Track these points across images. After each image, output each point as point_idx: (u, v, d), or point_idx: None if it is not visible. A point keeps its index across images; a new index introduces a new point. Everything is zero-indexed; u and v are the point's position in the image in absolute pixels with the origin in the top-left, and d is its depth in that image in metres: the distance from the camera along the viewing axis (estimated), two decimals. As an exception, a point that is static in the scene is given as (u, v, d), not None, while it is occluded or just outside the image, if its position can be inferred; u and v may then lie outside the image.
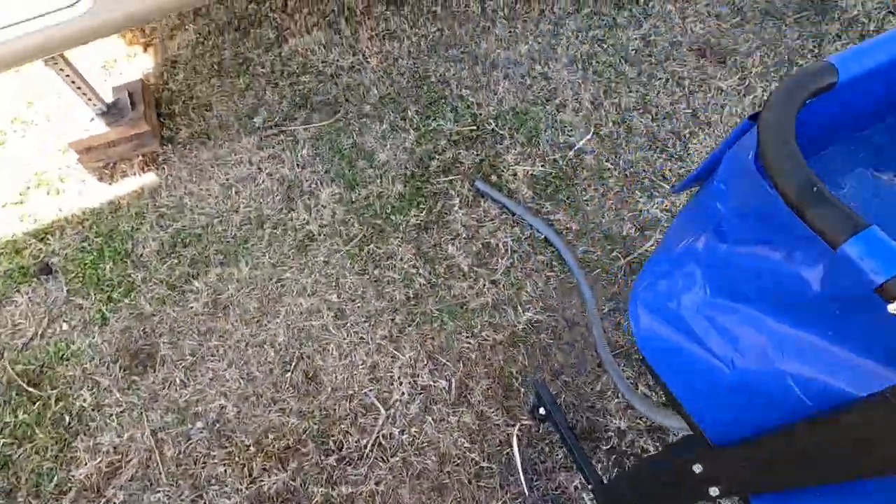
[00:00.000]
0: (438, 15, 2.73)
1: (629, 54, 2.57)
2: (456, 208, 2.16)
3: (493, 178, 2.24)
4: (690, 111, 2.40)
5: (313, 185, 2.24)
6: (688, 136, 2.34)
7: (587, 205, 2.19)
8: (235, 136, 2.39)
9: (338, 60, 2.61)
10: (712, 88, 2.47)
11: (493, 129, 2.36)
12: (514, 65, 2.55)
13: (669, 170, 2.25)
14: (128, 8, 1.56)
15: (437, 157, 2.29)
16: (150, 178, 2.29)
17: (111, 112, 2.30)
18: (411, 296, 1.97)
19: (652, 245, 2.08)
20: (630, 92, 2.46)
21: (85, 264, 2.07)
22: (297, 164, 2.29)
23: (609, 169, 2.26)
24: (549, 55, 2.57)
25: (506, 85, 2.49)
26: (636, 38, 2.62)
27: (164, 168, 2.31)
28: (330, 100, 2.49)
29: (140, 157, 2.32)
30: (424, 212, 2.15)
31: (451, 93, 2.47)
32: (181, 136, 2.40)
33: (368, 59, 2.60)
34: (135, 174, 2.30)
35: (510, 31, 2.65)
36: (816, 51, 2.58)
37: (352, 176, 2.25)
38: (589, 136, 2.33)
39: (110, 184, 2.29)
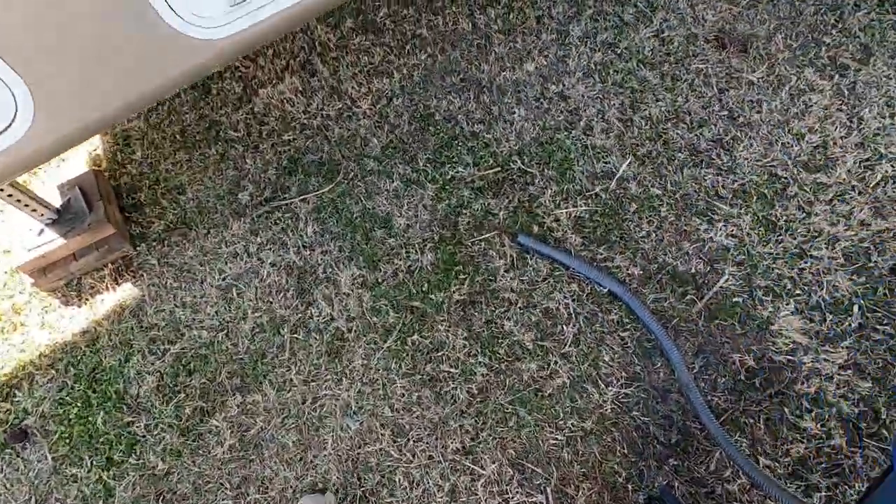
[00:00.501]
0: (425, 38, 2.32)
1: (646, 56, 2.24)
2: (501, 272, 1.81)
3: (534, 227, 1.89)
4: (726, 113, 2.10)
5: (328, 270, 1.84)
6: (731, 142, 2.04)
7: (644, 242, 1.87)
8: (221, 222, 1.96)
9: (322, 109, 2.18)
10: (743, 83, 2.17)
11: (519, 168, 2.00)
12: (525, 87, 2.18)
13: (723, 186, 1.95)
14: (79, 121, 1.13)
15: (464, 211, 1.93)
16: (128, 291, 1.84)
17: (64, 218, 1.83)
18: (475, 392, 1.63)
19: (727, 280, 1.80)
20: (658, 100, 2.14)
21: (69, 420, 1.63)
22: (304, 246, 1.88)
23: (657, 195, 1.95)
24: (560, 70, 2.21)
25: (521, 112, 2.12)
26: (650, 37, 2.28)
27: (142, 276, 1.86)
28: (324, 159, 2.07)
29: (110, 267, 1.87)
30: (466, 283, 1.79)
31: (463, 131, 2.09)
32: (155, 230, 1.95)
33: (357, 103, 2.18)
34: (108, 289, 1.85)
35: (510, 48, 2.28)
36: (839, 25, 2.30)
37: (371, 250, 1.87)
38: (628, 161, 2.00)
39: (80, 307, 1.83)
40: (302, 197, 1.96)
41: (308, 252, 1.86)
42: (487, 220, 1.89)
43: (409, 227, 1.89)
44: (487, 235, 1.86)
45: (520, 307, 1.74)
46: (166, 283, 1.82)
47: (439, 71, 2.23)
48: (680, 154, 2.01)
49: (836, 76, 2.14)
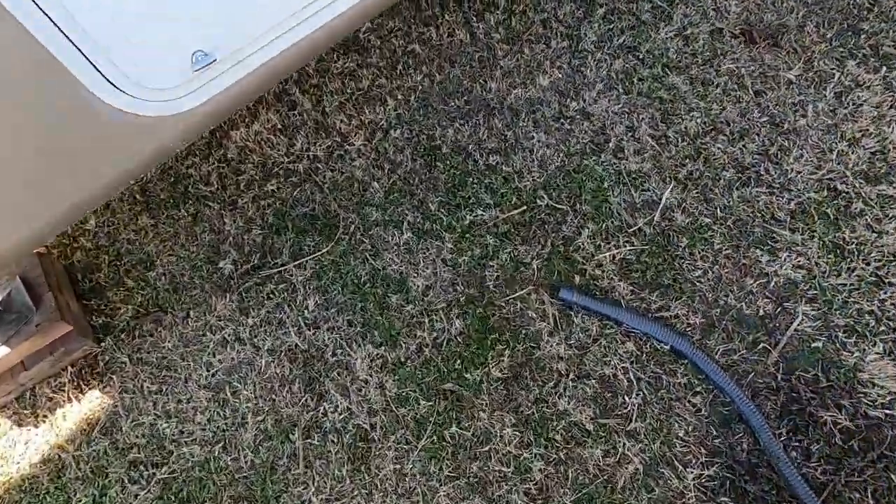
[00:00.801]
0: (419, 55, 1.99)
1: (671, 59, 1.95)
2: (544, 337, 1.52)
3: (575, 277, 1.61)
4: (767, 119, 1.84)
5: (339, 351, 1.52)
6: (778, 154, 1.78)
7: (700, 283, 1.61)
8: (203, 300, 1.61)
9: (308, 149, 1.84)
10: (781, 83, 1.91)
11: (547, 205, 1.71)
12: (540, 105, 1.87)
13: (778, 207, 1.69)
14: (8, 241, 0.80)
15: (490, 264, 1.63)
16: (95, 401, 1.50)
17: (5, 320, 1.46)
18: (535, 493, 1.35)
19: (801, 322, 1.55)
20: (691, 111, 1.86)
21: (37, 583, 1.30)
22: (307, 324, 1.56)
23: (708, 224, 1.68)
24: (578, 83, 1.91)
25: (540, 136, 1.82)
26: (671, 36, 1.99)
27: (111, 380, 1.51)
28: (317, 211, 1.74)
29: (71, 371, 1.52)
30: (506, 354, 1.50)
31: (476, 164, 1.78)
32: (122, 318, 1.60)
33: (349, 139, 1.85)
34: (70, 401, 1.50)
35: (518, 60, 1.96)
36: (875, 8, 2.05)
37: (387, 322, 1.56)
38: (670, 187, 1.73)
39: (37, 427, 1.47)
40: (297, 262, 1.63)
41: (312, 331, 1.53)
42: (519, 273, 1.60)
43: (428, 289, 1.58)
44: (522, 292, 1.56)
45: (572, 379, 1.46)
46: (142, 386, 1.48)
47: (439, 93, 1.90)
48: (725, 172, 1.74)
49: (883, 68, 1.89)
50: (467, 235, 1.64)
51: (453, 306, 1.54)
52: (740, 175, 1.74)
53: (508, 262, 1.60)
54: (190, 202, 1.73)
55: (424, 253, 1.62)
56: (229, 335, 1.52)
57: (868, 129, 1.78)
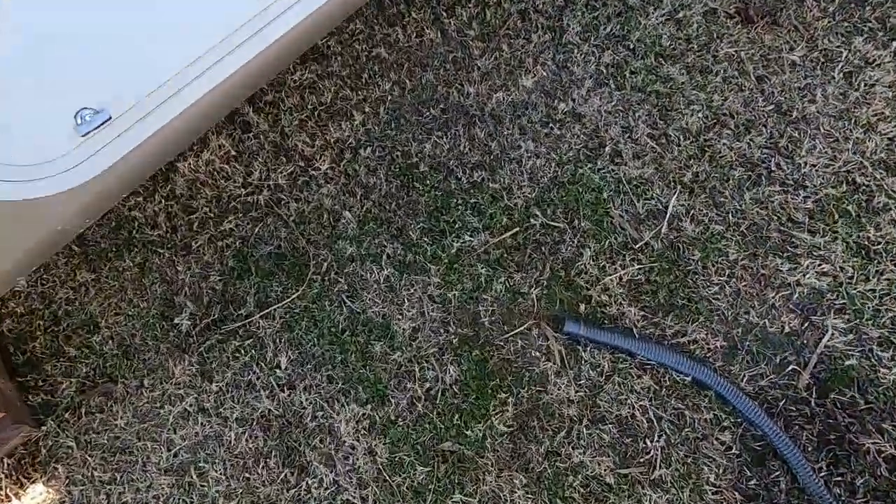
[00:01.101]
0: (385, 60, 1.77)
1: (664, 47, 1.76)
2: (551, 378, 1.35)
3: (580, 305, 1.43)
4: (773, 107, 1.67)
5: (320, 415, 1.33)
6: (789, 147, 1.61)
7: (718, 300, 1.44)
8: (158, 365, 1.40)
9: (268, 177, 1.62)
10: (784, 66, 1.74)
11: (542, 224, 1.52)
12: (526, 109, 1.68)
13: (795, 207, 1.53)
14: None
15: (483, 297, 1.44)
16: (38, 497, 1.27)
17: (-81, 414, 1.25)
18: (555, 564, 1.19)
19: (832, 337, 1.40)
20: (690, 104, 1.68)
21: None
22: (280, 385, 1.36)
23: (720, 232, 1.51)
24: (565, 81, 1.71)
25: (528, 145, 1.63)
26: (663, 21, 1.80)
27: (57, 469, 1.30)
28: (283, 249, 1.53)
29: (8, 462, 1.30)
30: (509, 402, 1.32)
31: (460, 182, 1.58)
32: (65, 394, 1.38)
33: (314, 162, 1.63)
34: (8, 498, 1.27)
35: (496, 59, 1.75)
36: (877, -24, 1.90)
37: (373, 375, 1.37)
38: (675, 193, 1.55)
39: (-28, 534, 1.27)
40: (264, 311, 1.42)
41: (286, 393, 1.34)
42: (517, 306, 1.41)
43: (416, 333, 1.39)
44: (522, 328, 1.38)
45: (585, 425, 1.29)
46: (93, 475, 1.27)
47: (412, 102, 1.69)
48: (733, 171, 1.57)
49: (893, 43, 1.72)
50: (455, 266, 1.45)
51: (446, 350, 1.36)
52: (750, 173, 1.57)
53: (504, 293, 1.42)
54: (136, 249, 1.51)
55: (409, 290, 1.43)
56: (191, 405, 1.31)
57: (883, 113, 1.62)
